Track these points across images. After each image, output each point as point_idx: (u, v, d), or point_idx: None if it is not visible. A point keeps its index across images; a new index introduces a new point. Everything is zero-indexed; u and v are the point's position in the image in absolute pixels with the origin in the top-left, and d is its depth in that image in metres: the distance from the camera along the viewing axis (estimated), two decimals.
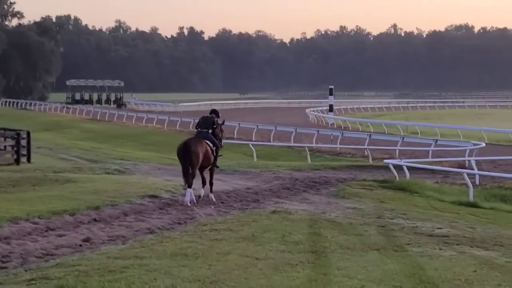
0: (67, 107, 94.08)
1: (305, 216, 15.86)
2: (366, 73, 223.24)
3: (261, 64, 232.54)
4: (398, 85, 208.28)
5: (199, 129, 18.91)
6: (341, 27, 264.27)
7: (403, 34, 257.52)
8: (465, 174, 24.36)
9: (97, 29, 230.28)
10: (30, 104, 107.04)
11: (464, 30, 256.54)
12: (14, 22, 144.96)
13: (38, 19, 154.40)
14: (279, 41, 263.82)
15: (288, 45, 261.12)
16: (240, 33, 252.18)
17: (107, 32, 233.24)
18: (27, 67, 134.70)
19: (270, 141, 44.97)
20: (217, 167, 19.75)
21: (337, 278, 9.88)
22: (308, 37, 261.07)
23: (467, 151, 34.41)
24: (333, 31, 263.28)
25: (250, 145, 36.98)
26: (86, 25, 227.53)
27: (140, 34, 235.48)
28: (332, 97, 73.30)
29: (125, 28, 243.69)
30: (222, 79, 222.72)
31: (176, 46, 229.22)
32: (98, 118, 77.02)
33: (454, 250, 12.46)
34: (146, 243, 12.24)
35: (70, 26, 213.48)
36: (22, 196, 17.13)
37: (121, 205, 16.33)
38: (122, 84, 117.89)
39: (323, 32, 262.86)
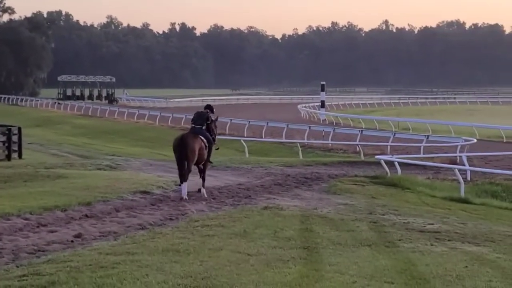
0: (59, 103, 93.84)
1: (296, 212, 15.87)
2: (357, 69, 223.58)
3: (252, 60, 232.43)
4: (389, 81, 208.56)
5: (193, 125, 18.93)
6: (332, 23, 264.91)
7: (394, 30, 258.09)
8: (456, 170, 24.39)
9: (88, 25, 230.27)
10: (21, 100, 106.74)
11: (456, 26, 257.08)
12: (5, 17, 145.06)
13: (29, 14, 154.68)
14: (270, 37, 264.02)
15: (280, 41, 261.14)
16: (232, 29, 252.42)
17: (99, 28, 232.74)
18: (18, 62, 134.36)
19: (261, 137, 44.94)
20: (211, 162, 19.79)
21: (328, 274, 9.89)
22: (300, 33, 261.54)
23: (459, 147, 34.49)
24: (325, 27, 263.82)
25: (242, 141, 36.96)
26: (77, 20, 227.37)
27: (131, 30, 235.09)
28: (324, 93, 73.28)
29: (116, 24, 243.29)
30: (213, 75, 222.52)
31: (168, 42, 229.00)
32: (90, 114, 76.92)
33: (445, 246, 12.49)
34: (137, 239, 12.22)
35: (62, 21, 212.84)
36: (14, 192, 17.09)
37: (112, 201, 16.31)
38: (114, 80, 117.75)
39: (314, 28, 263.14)
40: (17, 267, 10.20)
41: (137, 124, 63.00)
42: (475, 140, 37.24)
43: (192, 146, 17.90)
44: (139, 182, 19.30)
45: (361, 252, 11.57)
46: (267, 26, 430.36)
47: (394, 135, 41.57)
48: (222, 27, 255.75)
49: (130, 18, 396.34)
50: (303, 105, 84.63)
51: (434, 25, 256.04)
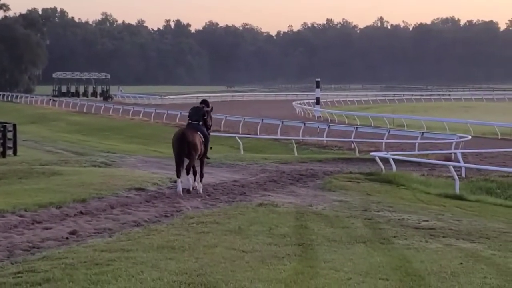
0: (54, 100, 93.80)
1: (291, 209, 15.87)
2: (352, 66, 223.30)
3: (247, 57, 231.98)
4: (384, 78, 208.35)
5: (190, 121, 19.00)
6: (327, 20, 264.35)
7: (389, 27, 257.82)
8: (451, 166, 24.45)
9: (83, 21, 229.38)
10: (16, 97, 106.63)
11: (450, 23, 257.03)
12: (0, 14, 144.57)
13: (24, 11, 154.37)
14: (265, 34, 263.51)
15: (274, 38, 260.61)
16: (226, 26, 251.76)
17: (94, 25, 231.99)
18: (13, 59, 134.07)
19: (257, 134, 44.94)
20: (208, 158, 19.82)
21: (323, 270, 9.89)
22: (295, 30, 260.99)
23: (453, 143, 34.52)
24: (320, 24, 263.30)
25: (237, 138, 36.92)
26: (72, 17, 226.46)
27: (126, 26, 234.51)
28: (319, 90, 73.38)
29: (111, 21, 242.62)
30: (208, 72, 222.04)
31: (163, 38, 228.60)
32: (85, 110, 76.84)
33: (440, 243, 12.50)
34: (132, 236, 12.21)
35: (56, 18, 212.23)
36: (8, 189, 17.07)
37: (107, 197, 16.30)
38: (109, 76, 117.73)
39: (309, 25, 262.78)
40: (12, 264, 10.18)
41: (132, 121, 63.00)
42: (470, 137, 37.27)
43: (193, 140, 18.10)
44: (134, 179, 19.29)
45: (356, 249, 11.57)
46: (262, 23, 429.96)
47: (389, 132, 41.62)
48: (217, 24, 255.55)
49: (125, 15, 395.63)
50: (298, 102, 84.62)
51: (429, 22, 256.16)
